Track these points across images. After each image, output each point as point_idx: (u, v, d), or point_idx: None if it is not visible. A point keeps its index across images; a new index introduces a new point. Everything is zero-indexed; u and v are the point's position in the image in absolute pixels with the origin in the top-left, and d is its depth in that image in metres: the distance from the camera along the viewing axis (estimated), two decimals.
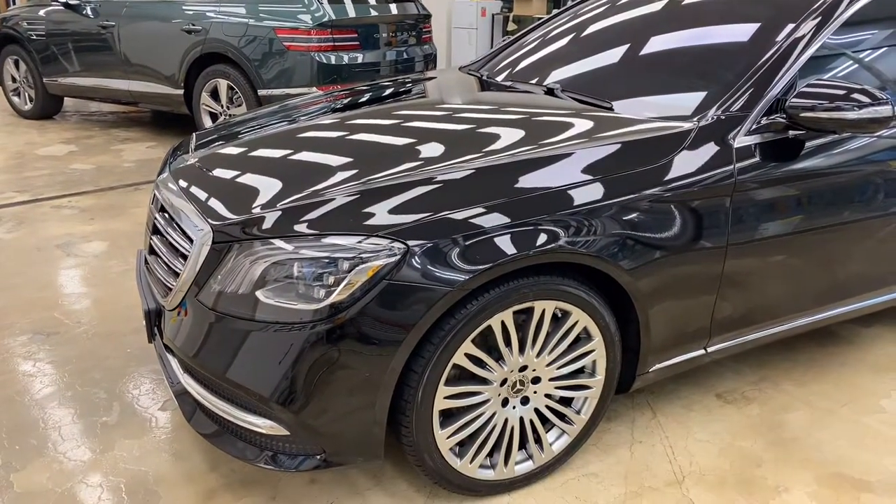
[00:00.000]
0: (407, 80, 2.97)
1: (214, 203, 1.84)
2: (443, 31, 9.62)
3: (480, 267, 1.61)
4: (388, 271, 1.57)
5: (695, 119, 2.00)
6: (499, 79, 2.78)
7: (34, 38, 6.33)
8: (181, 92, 5.57)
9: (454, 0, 9.43)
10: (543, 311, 1.78)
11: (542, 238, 1.68)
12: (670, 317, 1.98)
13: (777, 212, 2.05)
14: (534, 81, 2.60)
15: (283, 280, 1.62)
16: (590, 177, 1.80)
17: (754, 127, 2.01)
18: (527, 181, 1.76)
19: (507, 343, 1.78)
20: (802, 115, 1.97)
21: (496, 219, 1.66)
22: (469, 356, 1.73)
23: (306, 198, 1.74)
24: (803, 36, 2.10)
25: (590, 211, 1.75)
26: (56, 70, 6.33)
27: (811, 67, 2.12)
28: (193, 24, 5.34)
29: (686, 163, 1.90)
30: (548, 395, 1.93)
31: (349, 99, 2.69)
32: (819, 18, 2.14)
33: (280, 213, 1.71)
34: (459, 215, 1.65)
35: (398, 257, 1.58)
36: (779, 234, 2.06)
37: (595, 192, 1.78)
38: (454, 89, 2.72)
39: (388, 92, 2.75)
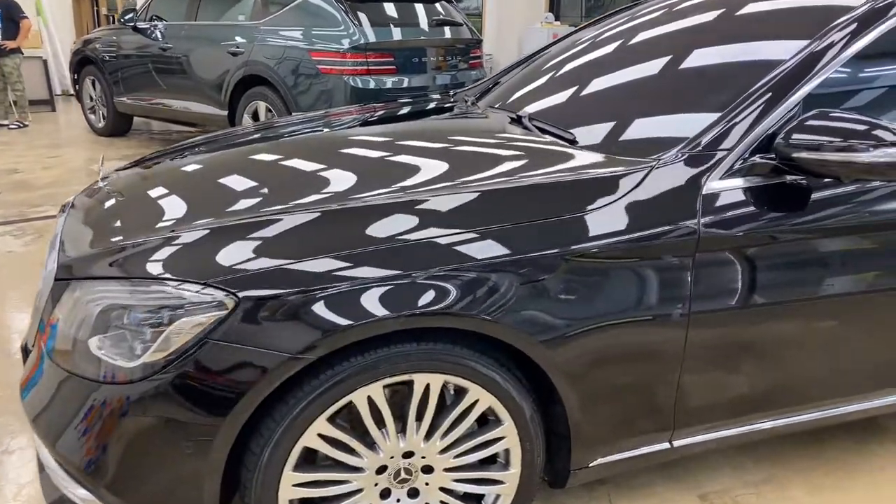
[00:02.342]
0: (380, 106, 2.71)
1: (81, 233, 1.64)
2: (514, 57, 9.38)
3: (331, 330, 1.31)
4: (214, 328, 1.30)
5: (652, 157, 1.61)
6: (483, 104, 2.47)
7: (107, 59, 6.63)
8: (226, 113, 5.61)
9: (528, 27, 9.16)
10: (427, 386, 1.44)
11: (422, 297, 1.35)
12: (611, 401, 1.58)
13: (766, 275, 1.61)
14: (514, 108, 2.26)
15: (114, 329, 1.39)
16: (498, 224, 1.46)
17: (734, 169, 1.59)
18: (413, 225, 1.44)
19: (382, 423, 1.45)
20: (795, 155, 1.54)
21: (362, 271, 1.35)
22: (326, 437, 1.42)
23: (162, 233, 1.51)
24: (810, 62, 1.67)
25: (492, 266, 1.41)
26: (124, 90, 6.59)
27: (813, 101, 1.67)
28: (237, 47, 5.37)
29: (630, 212, 1.51)
30: (446, 490, 1.58)
31: (312, 123, 2.47)
32: (829, 43, 1.69)
33: (127, 249, 1.48)
34: (313, 264, 1.35)
35: (226, 312, 1.31)
36: (766, 303, 1.61)
37: (502, 242, 1.43)
38: (415, 117, 2.44)
39: (349, 118, 2.50)
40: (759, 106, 1.62)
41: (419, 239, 1.41)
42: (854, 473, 2.10)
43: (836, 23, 1.73)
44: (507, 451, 1.57)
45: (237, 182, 1.77)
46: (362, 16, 4.98)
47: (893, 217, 1.69)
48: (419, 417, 1.47)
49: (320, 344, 1.30)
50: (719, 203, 1.56)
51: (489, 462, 1.60)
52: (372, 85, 4.96)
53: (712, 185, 1.56)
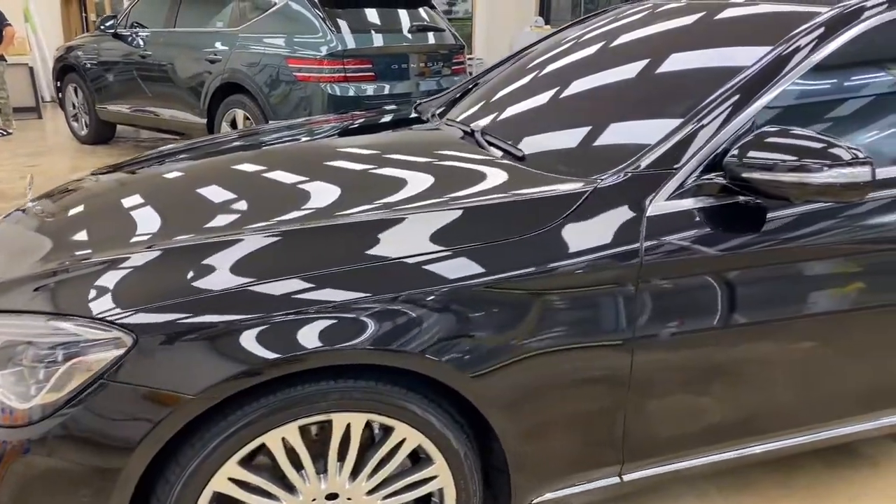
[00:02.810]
0: (336, 118, 2.63)
1: None
2: None
3: (236, 370, 1.21)
4: (110, 368, 1.21)
5: (596, 177, 1.52)
6: (442, 117, 2.37)
7: (88, 66, 6.56)
8: (205, 121, 5.53)
9: (518, 31, 9.08)
10: (349, 425, 1.35)
11: (337, 332, 1.26)
12: (552, 435, 1.49)
13: (715, 300, 1.51)
14: (470, 121, 2.17)
15: (12, 366, 1.29)
16: (419, 252, 1.36)
17: (682, 189, 1.50)
18: (320, 255, 1.35)
19: (302, 465, 1.36)
20: (745, 175, 1.45)
21: (268, 305, 1.26)
22: (239, 481, 1.32)
23: (68, 262, 1.42)
24: (764, 76, 1.58)
25: (413, 297, 1.31)
26: (105, 97, 6.51)
27: (768, 117, 1.58)
28: (215, 54, 5.29)
29: (568, 236, 1.42)
30: None
31: (255, 137, 2.38)
32: (783, 58, 1.60)
33: (34, 280, 1.39)
34: (218, 298, 1.26)
35: (124, 350, 1.21)
36: (717, 328, 1.52)
37: (424, 272, 1.34)
38: (364, 132, 2.35)
39: (295, 132, 2.41)
40: (708, 122, 1.53)
41: (331, 270, 1.32)
42: (828, 499, 2.00)
43: (790, 35, 1.64)
44: (440, 491, 1.48)
45: (144, 209, 1.69)
46: (340, 22, 4.90)
47: (852, 237, 1.59)
48: (342, 458, 1.38)
49: (224, 384, 1.21)
50: (665, 226, 1.46)
51: (424, 502, 1.51)
52: (350, 92, 4.87)
53: (657, 206, 1.47)
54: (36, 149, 6.97)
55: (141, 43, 6.03)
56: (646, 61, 1.91)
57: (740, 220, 1.52)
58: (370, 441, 1.42)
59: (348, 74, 4.82)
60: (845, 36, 1.61)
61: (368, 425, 1.39)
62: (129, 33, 6.16)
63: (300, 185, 1.72)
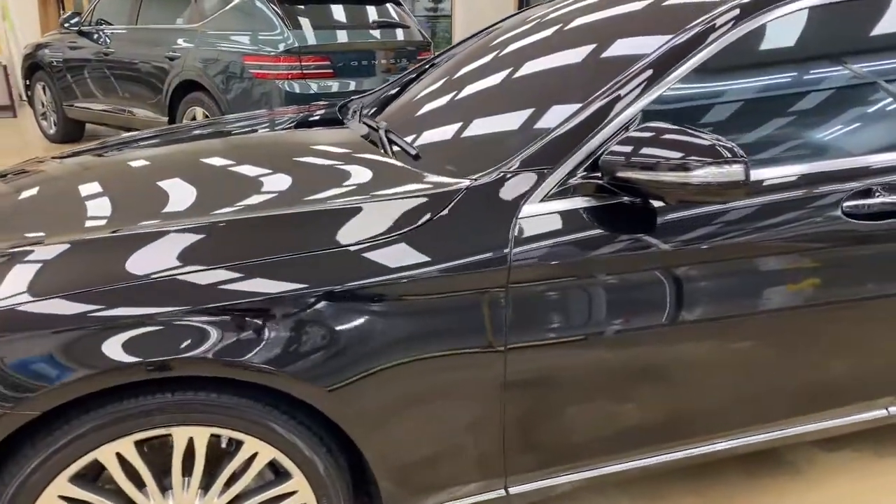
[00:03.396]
0: (252, 117, 2.56)
1: None
2: None
3: (51, 381, 1.15)
4: None
5: (472, 177, 1.45)
6: (357, 116, 2.30)
7: (54, 64, 6.48)
8: (167, 119, 5.45)
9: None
10: (191, 439, 1.28)
11: (171, 342, 1.19)
12: (423, 448, 1.42)
13: (594, 304, 1.44)
14: (385, 119, 2.09)
15: None
16: (268, 256, 1.29)
17: (559, 189, 1.43)
18: (152, 261, 1.28)
19: (141, 481, 1.29)
20: (620, 174, 1.38)
21: (96, 312, 1.19)
22: (72, 499, 1.26)
23: None
24: (649, 72, 1.51)
25: (257, 305, 1.24)
26: (72, 95, 6.44)
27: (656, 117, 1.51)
28: (174, 51, 5.21)
29: (434, 239, 1.35)
30: None
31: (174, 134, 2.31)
32: (672, 54, 1.53)
33: None
34: (42, 304, 1.19)
35: None
36: (595, 333, 1.45)
37: (272, 277, 1.27)
38: (270, 129, 2.28)
39: (209, 130, 2.34)
40: (587, 120, 1.46)
41: (165, 275, 1.25)
42: None
43: (681, 31, 1.57)
44: None
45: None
46: (297, 18, 4.82)
47: (740, 239, 1.52)
48: (189, 473, 1.31)
49: (40, 397, 1.15)
50: (539, 228, 1.39)
51: None
52: (309, 89, 4.80)
53: (531, 207, 1.40)
54: (5, 147, 6.91)
55: (105, 40, 5.95)
56: (545, 58, 1.85)
57: (621, 222, 1.44)
58: (226, 454, 1.35)
59: (305, 71, 4.74)
60: (738, 31, 1.55)
61: (232, 439, 1.33)
62: (92, 31, 6.08)
63: (158, 186, 1.66)
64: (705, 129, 1.53)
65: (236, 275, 1.26)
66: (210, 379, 1.26)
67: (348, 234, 1.34)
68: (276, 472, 1.39)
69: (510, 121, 1.65)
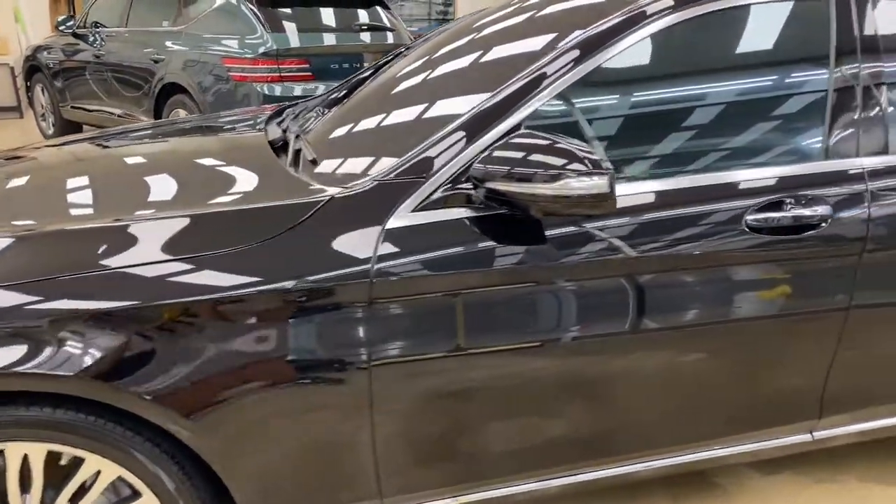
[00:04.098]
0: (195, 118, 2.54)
1: None
2: None
3: None
4: None
5: (344, 186, 1.40)
6: (286, 120, 2.26)
7: (51, 66, 6.56)
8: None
9: None
10: (26, 456, 1.24)
11: None
12: (289, 472, 1.37)
13: (467, 320, 1.38)
14: (305, 126, 2.04)
15: None
16: (94, 268, 1.25)
17: (433, 200, 1.37)
18: None
19: None
20: (489, 184, 1.32)
21: None
22: None
23: None
24: (531, 81, 1.45)
25: (75, 316, 1.20)
26: (67, 97, 6.51)
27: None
28: (159, 54, 5.24)
29: (288, 252, 1.30)
30: None
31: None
32: (560, 59, 1.47)
33: None
34: None
35: None
36: (469, 349, 1.39)
37: (99, 289, 1.23)
38: (190, 134, 2.25)
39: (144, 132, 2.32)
40: (465, 128, 1.40)
41: None
42: None
43: (568, 40, 1.50)
44: None
45: None
46: (277, 21, 4.81)
47: (628, 254, 1.44)
48: (26, 490, 1.28)
49: None
50: (408, 240, 1.34)
51: None
52: (290, 92, 4.78)
53: (401, 218, 1.34)
54: (9, 146, 7.01)
55: (98, 42, 6.01)
56: (445, 69, 1.80)
57: (497, 234, 1.38)
58: (69, 471, 1.31)
59: (283, 74, 4.72)
60: (627, 40, 1.48)
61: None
62: (87, 33, 6.14)
63: (47, 188, 1.63)
64: (602, 141, 1.48)
65: (59, 288, 1.22)
66: (44, 394, 1.22)
67: (190, 245, 1.29)
68: (132, 489, 1.35)
69: (398, 130, 1.60)
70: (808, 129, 1.63)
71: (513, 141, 1.32)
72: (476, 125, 1.40)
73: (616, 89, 1.55)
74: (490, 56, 1.68)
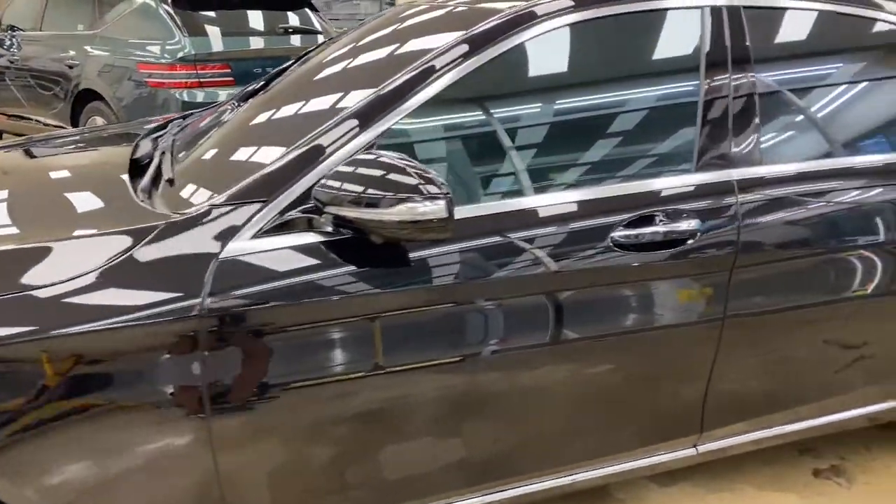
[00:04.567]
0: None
1: None
2: None
3: None
4: None
5: (178, 213, 1.31)
6: (158, 141, 2.12)
7: None
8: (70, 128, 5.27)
9: None
10: None
11: None
12: None
13: (324, 352, 1.32)
14: (179, 144, 1.93)
15: None
16: None
17: (276, 224, 1.29)
18: None
19: None
20: (327, 209, 1.25)
21: None
22: None
23: None
24: (380, 102, 1.39)
25: None
26: None
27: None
28: (73, 59, 5.03)
29: (109, 286, 1.21)
30: None
31: None
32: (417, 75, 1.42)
33: None
34: None
35: None
36: (319, 382, 1.32)
37: None
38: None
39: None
40: (307, 152, 1.34)
41: None
42: None
43: (415, 63, 1.45)
44: None
45: None
46: (195, 25, 4.66)
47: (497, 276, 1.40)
48: None
49: None
50: (246, 269, 1.26)
51: None
52: (214, 97, 4.62)
53: (239, 245, 1.26)
54: None
55: (13, 47, 5.74)
56: (302, 91, 1.72)
57: (346, 259, 1.31)
58: None
59: (202, 80, 4.57)
60: (483, 56, 1.44)
61: None
62: (2, 37, 5.87)
63: None
64: (455, 161, 1.43)
65: None
66: None
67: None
68: None
69: (248, 152, 1.52)
70: (678, 141, 1.61)
71: (355, 163, 1.26)
72: (318, 148, 1.33)
73: (468, 107, 1.50)
74: (348, 75, 1.62)
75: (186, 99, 4.55)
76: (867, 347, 1.82)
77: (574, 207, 1.47)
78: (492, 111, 1.53)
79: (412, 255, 1.32)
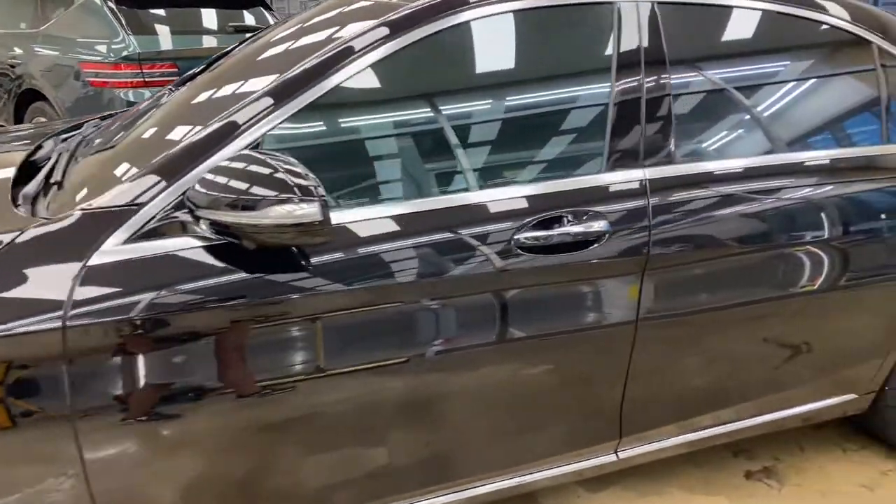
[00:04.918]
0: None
1: None
2: None
3: None
4: None
5: (45, 217, 1.24)
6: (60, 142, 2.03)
7: None
8: None
9: None
10: None
11: None
12: None
13: (204, 367, 1.25)
14: (80, 146, 1.85)
15: None
16: None
17: (150, 229, 1.22)
18: None
19: None
20: (201, 213, 1.19)
21: None
22: None
23: None
24: (264, 101, 1.33)
25: None
26: None
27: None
28: (15, 58, 4.88)
29: None
30: None
31: None
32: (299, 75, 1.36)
33: None
34: None
35: None
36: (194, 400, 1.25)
37: None
38: None
39: None
40: (183, 153, 1.27)
41: None
42: None
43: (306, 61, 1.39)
44: None
45: None
46: (141, 23, 4.54)
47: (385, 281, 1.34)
48: None
49: None
50: (115, 279, 1.18)
51: None
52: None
53: (107, 254, 1.19)
54: None
55: None
56: (215, 82, 1.65)
57: (222, 263, 1.23)
58: None
59: (147, 79, 4.45)
60: (374, 55, 1.38)
61: None
62: None
63: None
64: (343, 164, 1.37)
65: None
66: None
67: None
68: None
69: (134, 155, 1.44)
70: (588, 140, 1.57)
71: (226, 166, 1.19)
72: (193, 150, 1.27)
73: (362, 108, 1.45)
74: (243, 75, 1.55)
75: (132, 99, 4.42)
76: (790, 348, 1.80)
77: (477, 209, 1.42)
78: (393, 110, 1.48)
79: (291, 259, 1.26)
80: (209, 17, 4.96)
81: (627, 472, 2.01)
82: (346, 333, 1.32)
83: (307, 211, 1.11)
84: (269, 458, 1.34)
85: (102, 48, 4.48)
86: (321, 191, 1.13)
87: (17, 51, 4.90)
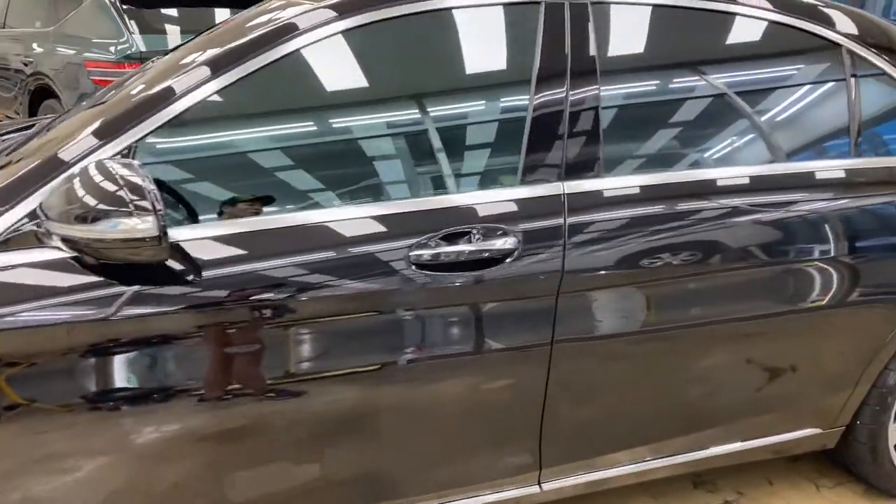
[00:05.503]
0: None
1: None
2: None
3: None
4: None
5: None
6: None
7: None
8: None
9: None
10: None
11: None
12: None
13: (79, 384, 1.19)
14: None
15: None
16: None
17: (9, 238, 1.17)
18: None
19: None
20: (46, 225, 1.13)
21: None
22: None
23: None
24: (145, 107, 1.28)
25: None
26: None
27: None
28: (28, 56, 5.00)
29: None
30: None
31: None
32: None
33: None
34: None
35: None
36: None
37: None
38: None
39: None
40: (50, 159, 1.22)
41: None
42: None
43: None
44: None
45: None
46: (146, 22, 4.58)
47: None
48: None
49: None
50: None
51: None
52: None
53: None
54: None
55: None
56: (117, 90, 1.60)
57: (73, 278, 1.17)
58: None
59: None
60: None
61: None
62: None
63: None
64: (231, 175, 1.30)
65: None
66: None
67: None
68: None
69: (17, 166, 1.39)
70: (501, 152, 1.46)
71: (70, 177, 1.13)
72: (54, 161, 1.21)
73: (254, 119, 1.37)
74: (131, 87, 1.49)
75: None
76: (732, 376, 1.66)
77: (369, 224, 1.33)
78: (286, 122, 1.40)
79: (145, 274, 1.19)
80: (216, 16, 4.98)
81: (580, 502, 1.89)
82: (195, 358, 1.25)
83: (144, 226, 1.04)
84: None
85: (107, 47, 4.53)
86: (159, 205, 1.06)
87: (31, 49, 5.01)
